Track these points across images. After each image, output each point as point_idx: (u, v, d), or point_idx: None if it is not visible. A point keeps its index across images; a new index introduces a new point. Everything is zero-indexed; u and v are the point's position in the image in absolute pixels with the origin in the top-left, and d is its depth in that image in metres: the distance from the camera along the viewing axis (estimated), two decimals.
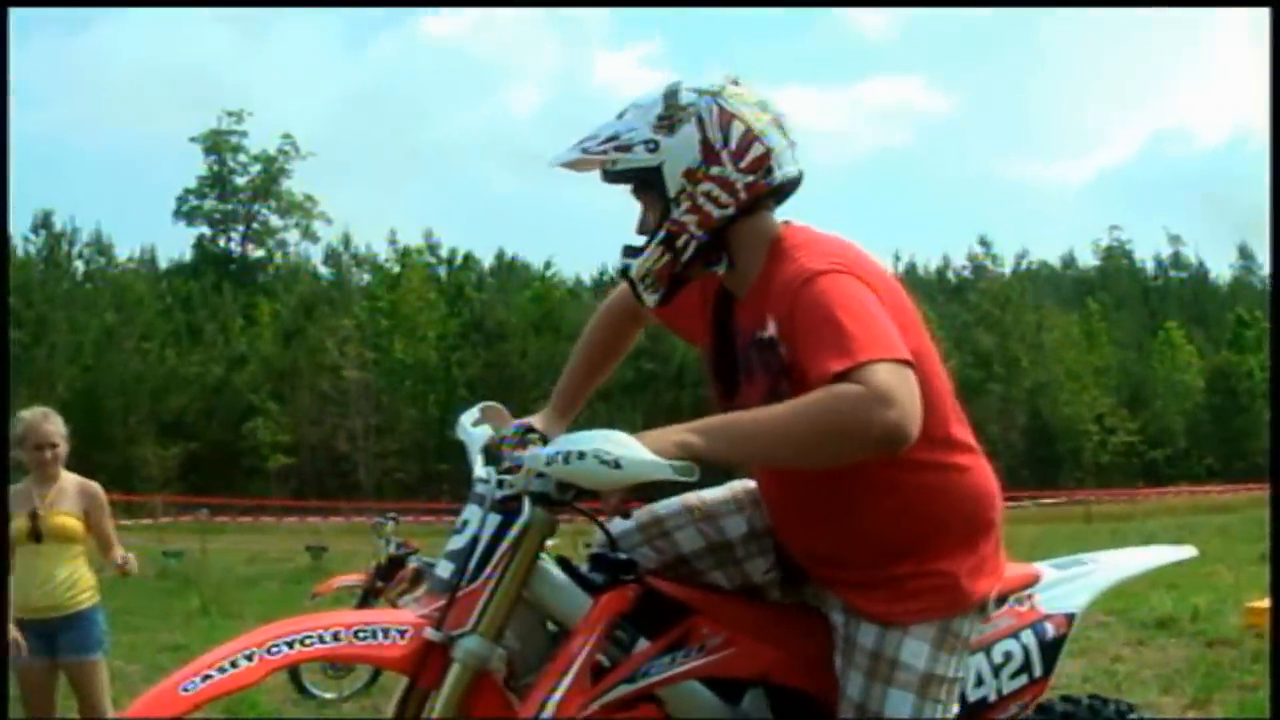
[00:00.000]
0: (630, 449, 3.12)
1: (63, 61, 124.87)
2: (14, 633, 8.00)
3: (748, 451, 3.31)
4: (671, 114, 3.54)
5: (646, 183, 3.56)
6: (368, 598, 12.10)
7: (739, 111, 3.55)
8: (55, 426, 8.03)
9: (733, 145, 3.52)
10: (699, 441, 3.20)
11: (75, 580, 7.89)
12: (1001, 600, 3.90)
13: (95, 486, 8.16)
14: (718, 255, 3.62)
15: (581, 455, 3.14)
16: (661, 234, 3.56)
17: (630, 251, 3.63)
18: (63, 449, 8.02)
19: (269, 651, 3.28)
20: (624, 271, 3.65)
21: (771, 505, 3.86)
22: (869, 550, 3.63)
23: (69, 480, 8.07)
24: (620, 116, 3.60)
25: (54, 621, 7.82)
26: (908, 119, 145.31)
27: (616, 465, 3.11)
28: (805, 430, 3.15)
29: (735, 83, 3.63)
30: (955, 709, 3.68)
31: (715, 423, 3.29)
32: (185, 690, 3.17)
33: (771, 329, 3.48)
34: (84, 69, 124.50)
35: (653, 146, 3.52)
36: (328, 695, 11.55)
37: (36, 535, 7.82)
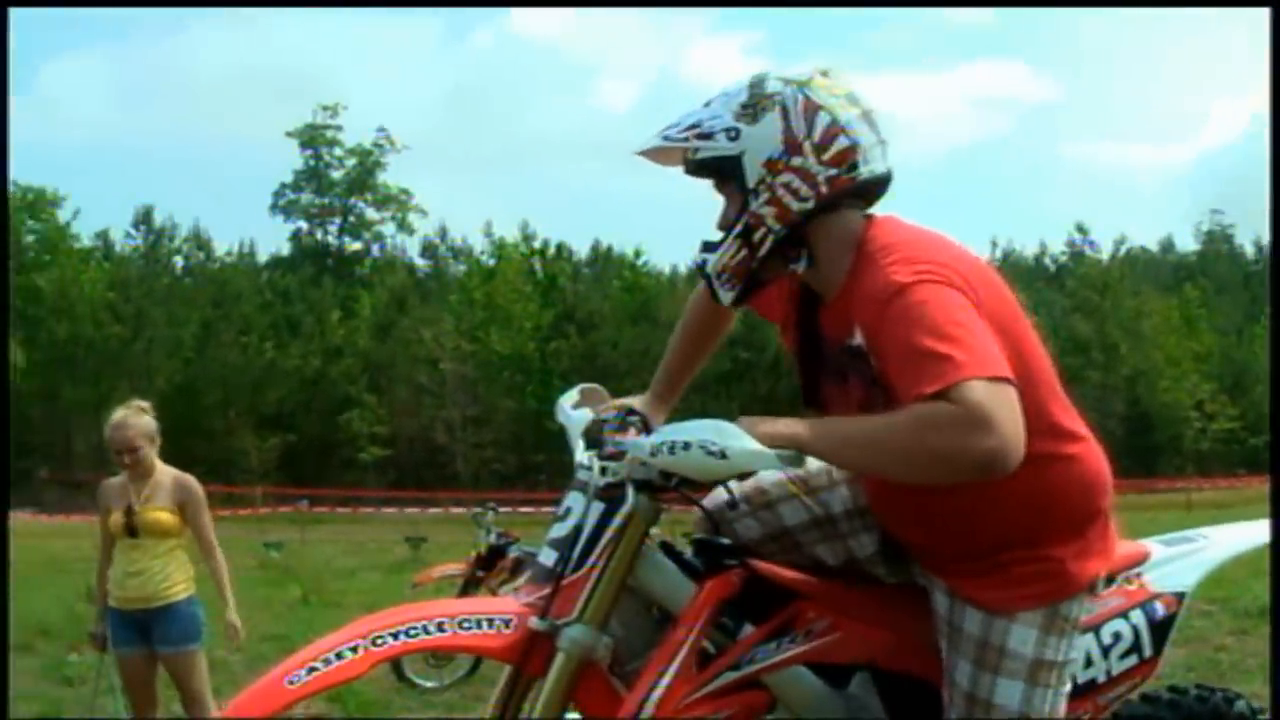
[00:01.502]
0: (736, 439, 3.11)
1: (161, 61, 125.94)
2: (99, 626, 8.15)
3: (848, 458, 3.31)
4: (755, 102, 3.45)
5: (727, 173, 3.48)
6: (468, 587, 12.12)
7: (825, 103, 3.45)
8: (135, 430, 7.98)
9: (816, 137, 3.42)
10: (806, 435, 3.19)
11: (170, 573, 7.93)
12: (1110, 579, 3.84)
13: (190, 480, 8.16)
14: (796, 253, 3.52)
15: (686, 446, 3.13)
16: (738, 227, 3.48)
17: (708, 246, 3.56)
18: (145, 450, 7.99)
19: (374, 643, 3.30)
20: (701, 267, 3.59)
21: (871, 496, 3.82)
22: (974, 543, 3.58)
23: (165, 474, 8.10)
24: (707, 104, 3.53)
25: (148, 613, 7.90)
26: (1006, 105, 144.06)
27: (722, 456, 3.10)
28: (902, 450, 3.11)
29: (825, 74, 3.53)
30: (1067, 690, 3.63)
31: (824, 421, 3.29)
32: (291, 683, 3.20)
33: (859, 338, 3.40)
34: (182, 69, 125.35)
35: (734, 134, 3.44)
36: (429, 684, 11.58)
37: (132, 531, 7.89)
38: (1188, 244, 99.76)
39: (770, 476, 3.87)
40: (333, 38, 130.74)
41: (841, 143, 3.44)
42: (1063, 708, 3.62)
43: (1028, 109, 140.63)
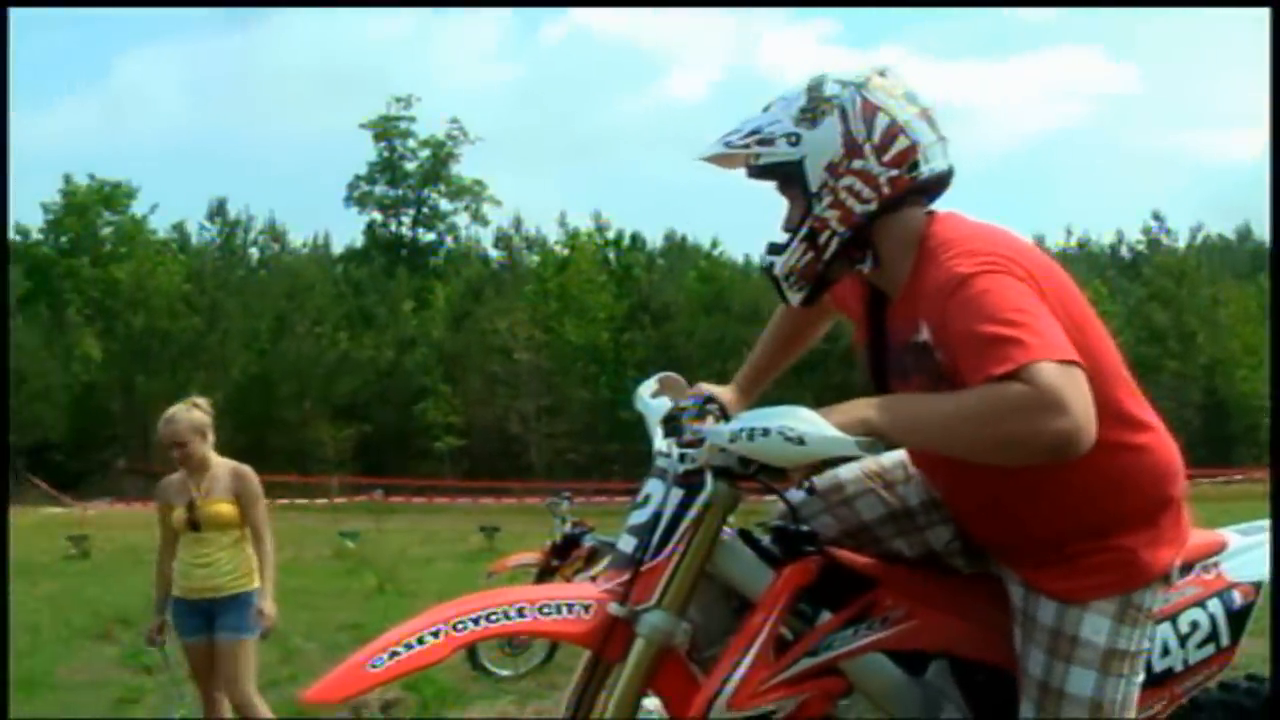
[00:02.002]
0: (814, 425, 3.13)
1: (238, 55, 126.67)
2: (157, 621, 8.27)
3: (924, 438, 3.33)
4: (814, 106, 3.49)
5: (789, 178, 3.53)
6: (543, 576, 12.15)
7: (884, 104, 3.50)
8: (183, 424, 8.14)
9: (876, 138, 3.47)
10: (881, 420, 3.20)
11: (236, 565, 8.08)
12: (1187, 569, 3.85)
13: (246, 470, 8.27)
14: (862, 253, 3.57)
15: (766, 432, 3.15)
16: (804, 230, 3.53)
17: (774, 249, 3.60)
18: (194, 444, 8.12)
19: (455, 628, 3.33)
20: (769, 269, 3.62)
21: (942, 491, 3.85)
22: (1045, 534, 3.60)
23: (221, 467, 8.22)
24: (766, 109, 3.58)
25: (213, 602, 8.04)
26: (1082, 92, 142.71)
27: (801, 441, 3.12)
28: (975, 432, 3.14)
29: (882, 74, 3.57)
30: (1140, 679, 3.64)
31: (897, 403, 3.30)
32: (372, 667, 3.23)
33: (925, 334, 3.44)
34: (258, 61, 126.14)
35: (794, 140, 3.49)
36: (504, 672, 11.65)
37: (195, 525, 8.04)
38: (1266, 231, 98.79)
39: (846, 473, 3.95)
40: (406, 30, 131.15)
41: (901, 143, 3.48)
42: (1135, 696, 3.63)
43: (1104, 96, 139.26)
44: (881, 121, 3.47)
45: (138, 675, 11.28)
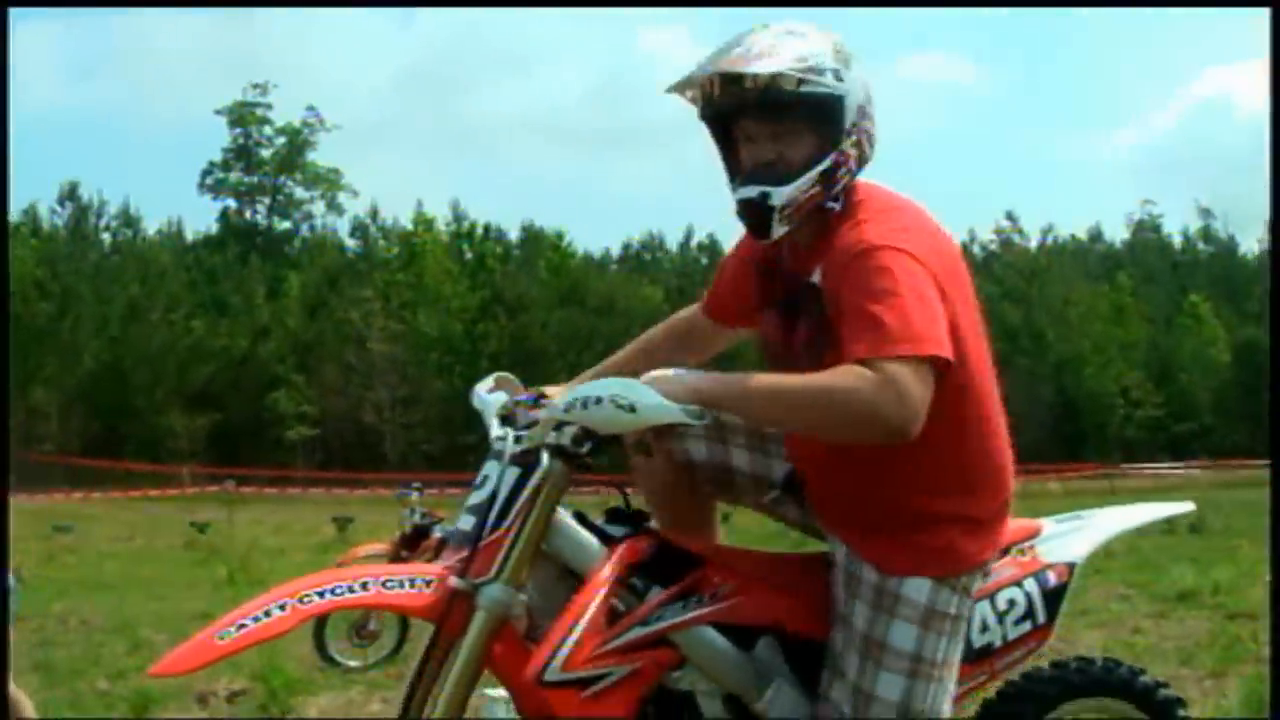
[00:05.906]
0: (644, 394, 3.29)
1: (107, 36, 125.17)
2: None
3: (753, 409, 3.44)
4: (842, 51, 3.61)
5: (819, 110, 3.57)
6: None
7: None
8: None
9: (871, 96, 3.67)
10: (708, 389, 3.35)
11: None
12: (1004, 552, 4.00)
13: None
14: (836, 197, 3.64)
15: (599, 400, 3.31)
16: (826, 163, 3.57)
17: (767, 179, 3.60)
18: None
19: (301, 601, 3.39)
20: (762, 199, 3.60)
21: (794, 459, 3.99)
22: (881, 514, 3.74)
23: None
24: (787, 36, 3.60)
25: None
26: (941, 93, 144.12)
27: (631, 409, 3.28)
28: (814, 405, 3.29)
29: None
30: (960, 646, 3.79)
31: (730, 377, 3.41)
32: (220, 638, 3.27)
33: (816, 277, 3.60)
34: (128, 44, 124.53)
35: (840, 76, 3.57)
36: (353, 663, 11.60)
37: None
38: (1118, 233, 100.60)
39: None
40: (279, 15, 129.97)
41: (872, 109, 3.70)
42: (956, 660, 3.78)
43: (962, 98, 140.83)
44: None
45: None
